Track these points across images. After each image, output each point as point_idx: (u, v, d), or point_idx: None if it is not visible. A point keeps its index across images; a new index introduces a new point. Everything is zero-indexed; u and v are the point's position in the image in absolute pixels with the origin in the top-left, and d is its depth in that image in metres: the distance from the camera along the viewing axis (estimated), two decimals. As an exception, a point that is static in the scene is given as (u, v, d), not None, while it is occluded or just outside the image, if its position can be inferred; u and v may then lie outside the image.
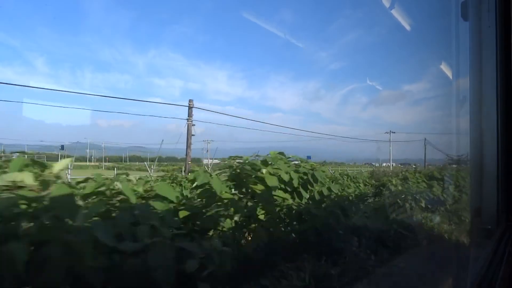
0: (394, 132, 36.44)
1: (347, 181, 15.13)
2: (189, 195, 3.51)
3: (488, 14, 1.86)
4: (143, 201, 2.31)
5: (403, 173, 13.33)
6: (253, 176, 3.15)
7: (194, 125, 16.74)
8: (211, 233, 2.64)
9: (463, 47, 2.09)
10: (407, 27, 3.00)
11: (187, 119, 16.51)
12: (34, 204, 1.57)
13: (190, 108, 16.72)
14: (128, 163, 51.76)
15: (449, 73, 2.39)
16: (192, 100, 16.94)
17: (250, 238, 2.92)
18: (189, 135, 16.60)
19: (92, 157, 53.16)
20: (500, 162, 1.78)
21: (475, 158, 1.89)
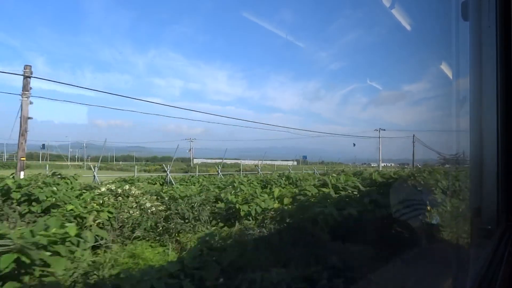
0: (384, 130, 36.28)
1: (283, 185, 12.82)
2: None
3: (488, 14, 1.86)
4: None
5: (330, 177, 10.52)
6: None
7: (32, 103, 10.91)
8: None
9: (463, 47, 2.09)
10: (407, 27, 3.00)
11: (21, 94, 10.67)
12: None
13: (25, 78, 10.63)
14: (115, 162, 51.44)
15: (449, 73, 2.39)
16: (30, 66, 10.80)
17: None
18: (23, 118, 10.76)
19: (76, 157, 52.68)
20: (500, 162, 1.78)
21: (475, 158, 1.89)
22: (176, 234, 6.94)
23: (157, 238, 6.81)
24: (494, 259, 1.50)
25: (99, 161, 21.10)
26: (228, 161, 42.99)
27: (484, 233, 1.76)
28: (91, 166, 18.21)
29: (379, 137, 36.38)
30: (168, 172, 18.77)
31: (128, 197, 8.51)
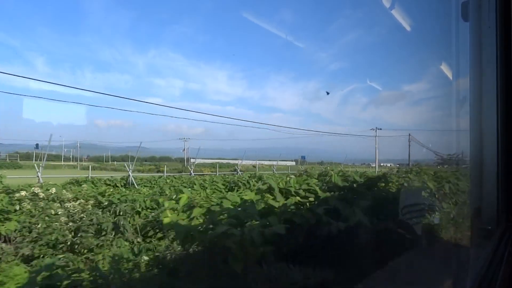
0: (380, 129, 36.04)
1: (252, 187, 11.30)
2: None
3: (489, 15, 1.86)
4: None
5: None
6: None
7: None
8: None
9: (463, 47, 2.10)
10: (407, 27, 3.01)
11: None
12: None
13: None
14: (110, 162, 51.25)
15: (449, 74, 2.40)
16: None
17: None
18: None
19: (71, 157, 52.24)
20: (500, 162, 1.78)
21: (475, 158, 1.89)
22: (87, 251, 5.48)
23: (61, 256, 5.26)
24: (494, 259, 1.50)
25: (44, 159, 17.94)
26: (224, 161, 42.95)
27: (484, 233, 1.76)
28: (35, 165, 16.05)
29: (375, 136, 36.21)
30: (130, 173, 16.59)
31: (55, 202, 7.26)
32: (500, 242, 1.67)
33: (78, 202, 7.61)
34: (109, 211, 7.21)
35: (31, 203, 6.88)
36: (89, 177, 15.79)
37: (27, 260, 5.17)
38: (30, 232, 5.76)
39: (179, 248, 4.27)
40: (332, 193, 5.54)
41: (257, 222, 3.88)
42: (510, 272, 1.49)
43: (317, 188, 5.76)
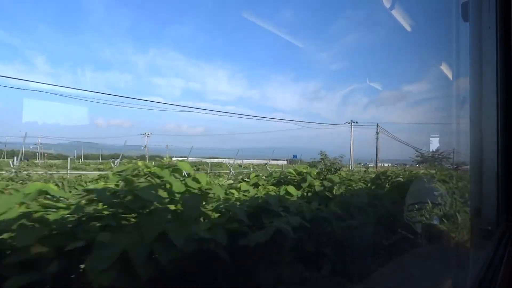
0: (357, 122, 35.20)
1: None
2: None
3: (489, 15, 1.86)
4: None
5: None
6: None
7: None
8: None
9: (463, 47, 2.10)
10: (408, 28, 3.01)
11: None
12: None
13: None
14: (81, 161, 49.98)
15: (449, 74, 2.40)
16: None
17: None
18: None
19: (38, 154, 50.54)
20: (500, 162, 1.78)
21: (475, 158, 1.89)
22: None
23: None
24: (494, 259, 1.50)
25: (18, 158, 16.75)
26: (209, 160, 42.49)
27: (484, 233, 1.76)
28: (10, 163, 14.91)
29: (351, 131, 35.14)
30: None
31: None
32: (500, 242, 1.67)
33: None
34: None
35: None
36: None
37: None
38: None
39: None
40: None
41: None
42: (510, 273, 1.49)
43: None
